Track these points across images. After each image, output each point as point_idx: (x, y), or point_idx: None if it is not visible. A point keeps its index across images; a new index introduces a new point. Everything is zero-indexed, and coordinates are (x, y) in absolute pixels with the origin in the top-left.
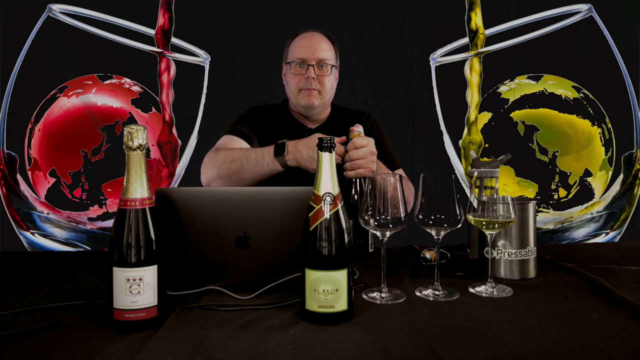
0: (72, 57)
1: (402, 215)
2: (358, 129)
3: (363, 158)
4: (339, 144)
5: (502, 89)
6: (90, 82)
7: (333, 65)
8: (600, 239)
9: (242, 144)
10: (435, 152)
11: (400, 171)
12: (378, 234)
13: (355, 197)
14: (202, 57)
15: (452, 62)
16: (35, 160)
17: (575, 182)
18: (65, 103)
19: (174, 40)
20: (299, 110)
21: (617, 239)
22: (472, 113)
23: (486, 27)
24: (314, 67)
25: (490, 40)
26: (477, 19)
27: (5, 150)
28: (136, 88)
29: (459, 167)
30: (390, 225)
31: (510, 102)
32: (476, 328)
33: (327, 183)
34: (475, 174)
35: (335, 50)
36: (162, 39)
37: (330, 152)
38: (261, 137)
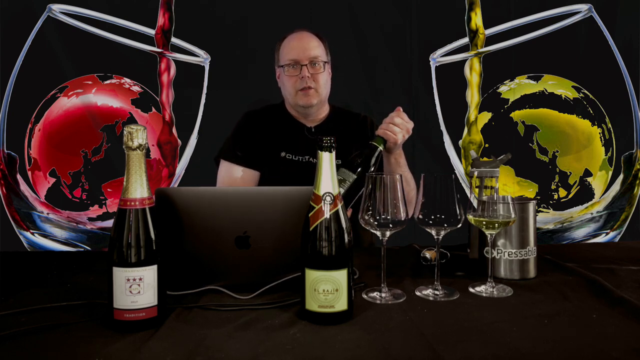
0: (72, 57)
1: (402, 215)
2: None
3: (399, 126)
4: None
5: (502, 89)
6: (90, 82)
7: (325, 62)
8: (600, 239)
9: (244, 174)
10: (435, 152)
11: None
12: (378, 233)
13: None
14: (202, 57)
15: (452, 62)
16: (35, 160)
17: (575, 182)
18: (65, 103)
19: (174, 40)
20: (298, 111)
21: (617, 239)
22: (472, 113)
23: (486, 27)
24: (307, 67)
25: (490, 40)
26: (477, 19)
27: (5, 150)
28: (136, 88)
29: (459, 167)
30: (390, 225)
31: (510, 102)
32: (476, 328)
33: (327, 183)
34: (475, 174)
35: (325, 47)
36: (162, 39)
37: (331, 152)
38: (262, 142)
